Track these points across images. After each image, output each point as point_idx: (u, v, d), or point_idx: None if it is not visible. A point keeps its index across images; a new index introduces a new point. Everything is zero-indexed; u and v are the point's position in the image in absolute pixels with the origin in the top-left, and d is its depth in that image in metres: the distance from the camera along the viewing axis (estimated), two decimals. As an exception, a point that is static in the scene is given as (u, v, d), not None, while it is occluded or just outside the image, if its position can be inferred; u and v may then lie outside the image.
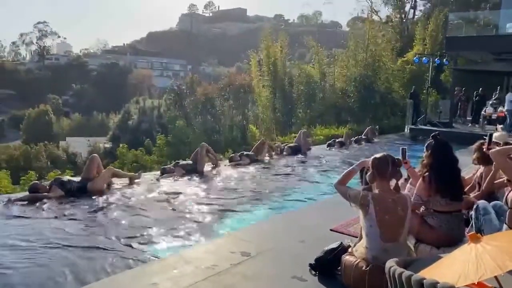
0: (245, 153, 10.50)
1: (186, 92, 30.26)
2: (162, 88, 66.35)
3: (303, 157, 11.48)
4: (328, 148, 13.12)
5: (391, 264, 2.05)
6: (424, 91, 20.02)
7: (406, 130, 17.64)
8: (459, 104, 19.16)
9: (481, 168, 4.55)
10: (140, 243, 4.71)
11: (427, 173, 3.40)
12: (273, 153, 11.44)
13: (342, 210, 4.50)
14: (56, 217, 5.60)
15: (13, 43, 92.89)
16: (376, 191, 2.98)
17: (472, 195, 4.37)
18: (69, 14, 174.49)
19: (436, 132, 3.75)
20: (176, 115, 29.24)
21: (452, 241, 3.28)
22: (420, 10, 35.13)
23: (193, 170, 8.72)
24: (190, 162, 9.00)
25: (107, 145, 39.89)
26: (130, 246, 4.61)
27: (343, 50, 27.25)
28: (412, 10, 35.09)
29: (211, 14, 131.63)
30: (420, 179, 3.45)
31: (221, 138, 25.33)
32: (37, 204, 6.12)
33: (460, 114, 19.24)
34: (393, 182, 3.02)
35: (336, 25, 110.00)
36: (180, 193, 7.13)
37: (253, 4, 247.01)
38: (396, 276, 1.92)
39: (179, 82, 34.61)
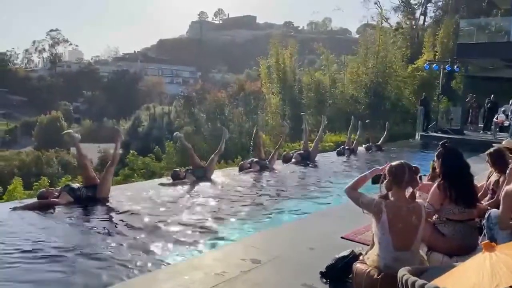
0: (255, 160, 10.49)
1: (196, 99, 30.42)
2: (172, 95, 66.86)
3: (313, 164, 11.43)
4: (338, 156, 13.04)
5: (403, 272, 2.03)
6: (435, 98, 19.89)
7: (416, 137, 17.53)
8: (471, 111, 19.01)
9: (494, 175, 4.49)
10: (149, 249, 4.71)
11: (441, 182, 3.36)
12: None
13: (353, 217, 4.49)
14: (65, 224, 5.63)
15: (26, 50, 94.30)
16: (391, 199, 2.96)
17: (483, 202, 4.32)
18: (81, 22, 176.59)
19: (445, 140, 3.70)
20: (185, 121, 29.38)
21: (465, 250, 3.23)
22: (431, 17, 35.11)
23: (203, 177, 8.76)
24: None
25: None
26: (139, 252, 4.62)
27: (353, 57, 27.23)
28: (422, 17, 35.07)
29: (221, 22, 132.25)
30: (434, 187, 3.41)
31: (231, 145, 25.32)
32: (46, 210, 6.15)
33: (472, 121, 19.08)
34: (409, 190, 2.99)
35: (346, 31, 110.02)
36: (189, 199, 7.15)
37: (263, 12, 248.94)
38: (409, 284, 1.90)
39: (190, 89, 34.81)
